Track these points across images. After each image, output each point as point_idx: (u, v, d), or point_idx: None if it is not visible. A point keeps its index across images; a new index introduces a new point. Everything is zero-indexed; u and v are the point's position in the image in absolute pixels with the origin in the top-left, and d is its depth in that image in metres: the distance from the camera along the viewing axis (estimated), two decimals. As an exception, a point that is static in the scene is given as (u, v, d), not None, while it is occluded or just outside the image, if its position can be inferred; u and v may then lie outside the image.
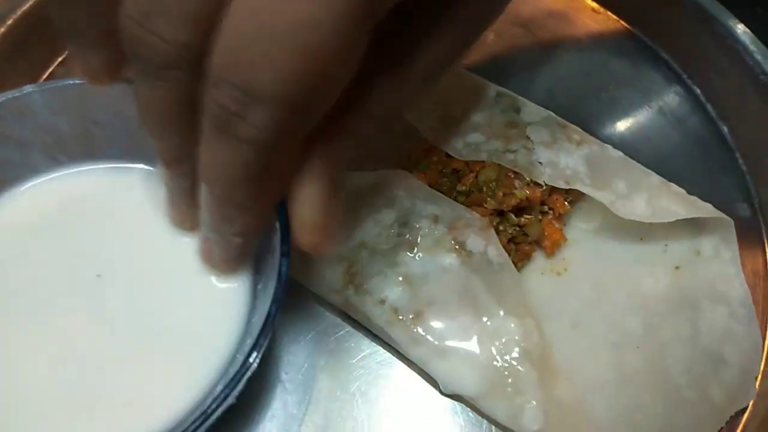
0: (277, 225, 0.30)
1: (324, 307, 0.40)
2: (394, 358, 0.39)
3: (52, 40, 0.48)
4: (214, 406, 0.27)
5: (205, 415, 0.26)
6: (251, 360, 0.27)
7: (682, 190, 0.43)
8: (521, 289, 0.39)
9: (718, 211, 0.42)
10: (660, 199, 0.41)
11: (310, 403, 0.38)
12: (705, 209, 0.42)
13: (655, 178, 0.43)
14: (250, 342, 0.29)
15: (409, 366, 0.39)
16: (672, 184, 0.43)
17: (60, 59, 0.49)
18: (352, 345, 0.40)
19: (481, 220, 0.39)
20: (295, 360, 0.39)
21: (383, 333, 0.38)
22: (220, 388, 0.28)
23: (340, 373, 0.39)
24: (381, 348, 0.39)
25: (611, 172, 0.42)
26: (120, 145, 0.37)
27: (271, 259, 0.30)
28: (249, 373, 0.28)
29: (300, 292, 0.41)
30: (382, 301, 0.38)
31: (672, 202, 0.41)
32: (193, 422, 0.26)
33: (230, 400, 0.28)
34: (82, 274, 0.34)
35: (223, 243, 0.31)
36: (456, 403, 0.38)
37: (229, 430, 0.37)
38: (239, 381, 0.27)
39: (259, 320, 0.29)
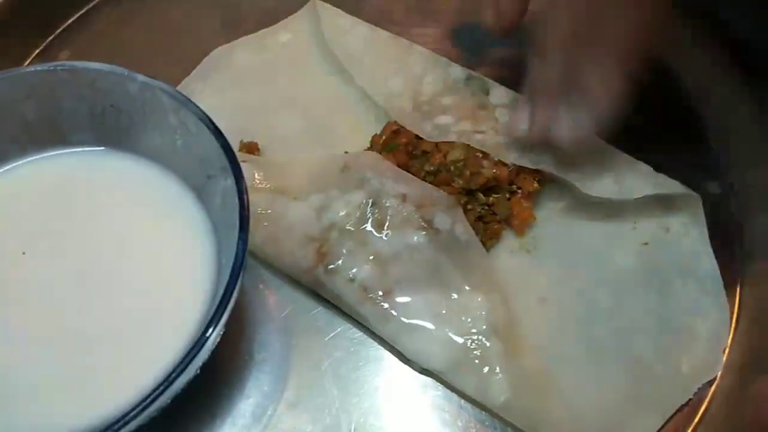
0: (236, 199, 0.31)
1: (295, 287, 0.41)
2: (366, 336, 0.40)
3: (29, 32, 0.48)
4: (174, 375, 0.27)
5: (166, 383, 0.27)
6: (210, 331, 0.28)
7: (649, 168, 0.43)
8: (488, 266, 0.39)
9: (686, 188, 0.42)
10: (627, 178, 0.42)
11: (283, 381, 0.39)
12: (672, 186, 0.42)
13: (622, 157, 0.43)
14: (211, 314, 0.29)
15: (380, 344, 0.39)
16: (640, 162, 0.43)
17: (37, 51, 0.50)
18: (324, 324, 0.40)
19: (449, 198, 0.40)
20: (268, 339, 0.40)
21: (353, 311, 0.39)
22: (179, 357, 0.28)
23: (313, 351, 0.39)
24: (353, 326, 0.40)
25: (579, 153, 0.43)
26: (86, 130, 0.37)
27: (233, 232, 0.31)
28: (209, 343, 0.29)
29: (273, 273, 0.41)
30: (352, 280, 0.38)
31: (639, 180, 0.42)
32: (154, 391, 0.27)
33: (192, 371, 0.28)
34: (54, 256, 0.35)
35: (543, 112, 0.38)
36: (427, 378, 0.39)
37: (205, 411, 0.38)
38: (198, 350, 0.28)
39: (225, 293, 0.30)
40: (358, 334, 0.40)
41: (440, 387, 0.38)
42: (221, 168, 0.33)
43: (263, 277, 0.41)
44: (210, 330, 0.28)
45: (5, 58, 0.48)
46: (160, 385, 0.27)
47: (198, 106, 0.34)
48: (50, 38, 0.51)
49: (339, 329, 0.40)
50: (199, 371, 0.30)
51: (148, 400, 0.27)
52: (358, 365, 0.39)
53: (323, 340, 0.40)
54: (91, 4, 0.52)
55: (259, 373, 0.39)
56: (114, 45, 0.51)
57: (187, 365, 0.27)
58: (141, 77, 0.35)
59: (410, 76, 0.46)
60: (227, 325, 0.32)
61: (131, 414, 0.27)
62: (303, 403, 0.38)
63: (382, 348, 0.39)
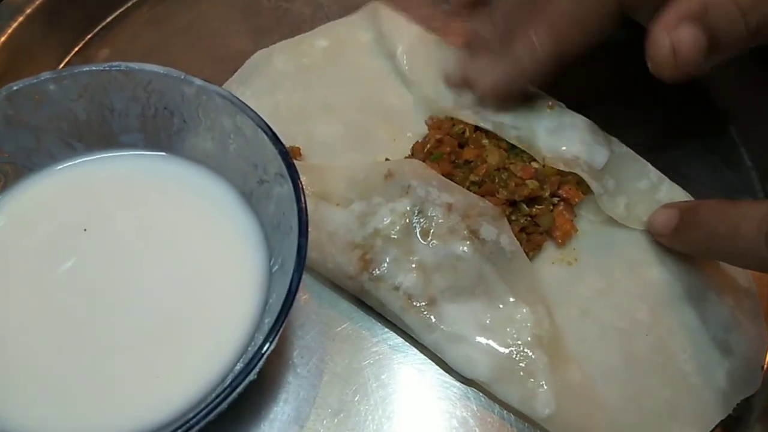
0: (295, 205, 0.31)
1: (338, 293, 0.41)
2: (408, 344, 0.40)
3: (68, 30, 0.48)
4: (236, 382, 0.27)
5: (229, 389, 0.27)
6: (272, 337, 0.28)
7: (678, 190, 0.44)
8: (533, 277, 0.40)
9: None
10: (638, 206, 0.43)
11: (322, 387, 0.39)
12: None
13: (646, 182, 0.44)
14: (269, 321, 0.29)
15: (422, 351, 0.40)
16: (666, 182, 0.44)
17: (77, 49, 0.50)
18: (366, 331, 0.40)
19: (494, 209, 0.40)
20: (307, 344, 0.40)
21: (397, 319, 0.39)
22: (241, 365, 0.28)
23: (354, 357, 0.39)
24: (394, 334, 0.40)
25: (607, 166, 0.43)
26: (136, 132, 0.37)
27: (288, 239, 0.31)
28: (269, 351, 0.29)
29: (314, 278, 0.41)
30: (397, 288, 0.39)
31: (648, 211, 0.43)
32: (216, 397, 0.27)
33: (251, 377, 0.29)
34: (103, 259, 0.35)
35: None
36: (468, 388, 0.39)
37: (243, 413, 0.38)
38: (260, 358, 0.28)
39: (277, 300, 0.30)
40: (399, 341, 0.40)
41: (482, 397, 0.39)
42: (276, 174, 0.33)
43: (305, 281, 0.41)
44: (274, 333, 0.28)
45: (46, 56, 0.48)
46: (222, 392, 0.27)
47: (255, 112, 0.34)
48: (89, 36, 0.51)
49: (380, 336, 0.40)
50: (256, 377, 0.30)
51: (204, 411, 0.27)
52: (400, 373, 0.39)
53: (364, 347, 0.40)
54: (129, 3, 0.52)
55: (298, 379, 0.39)
56: (152, 45, 0.51)
57: (251, 370, 0.27)
58: (198, 81, 0.35)
59: None
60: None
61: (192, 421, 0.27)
62: (344, 411, 0.38)
63: (424, 356, 0.40)
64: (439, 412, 0.38)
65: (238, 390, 0.28)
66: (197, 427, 0.27)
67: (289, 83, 0.48)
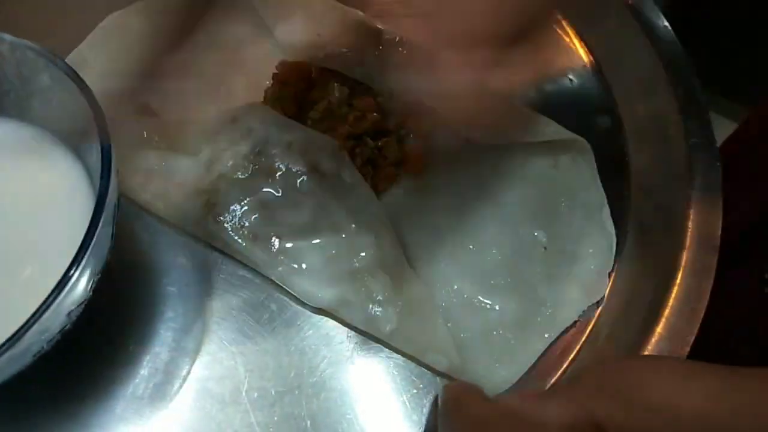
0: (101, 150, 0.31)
1: (189, 239, 0.41)
2: (262, 281, 0.41)
3: None
4: (37, 314, 0.28)
5: (33, 319, 0.28)
6: (73, 270, 0.29)
7: (532, 113, 0.45)
8: (375, 205, 0.41)
9: (570, 133, 0.44)
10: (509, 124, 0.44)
11: (184, 332, 0.40)
12: (553, 132, 0.44)
13: (505, 102, 0.44)
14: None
15: (274, 288, 0.40)
16: (522, 107, 0.45)
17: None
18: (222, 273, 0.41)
19: (333, 143, 0.41)
20: (168, 292, 0.41)
21: (244, 257, 0.40)
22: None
23: (211, 300, 0.40)
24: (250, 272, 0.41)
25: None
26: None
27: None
28: (79, 286, 0.29)
29: (171, 229, 0.42)
30: (241, 227, 0.39)
31: (512, 126, 0.44)
32: (20, 330, 0.28)
33: (61, 313, 0.29)
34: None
35: None
36: (320, 318, 0.40)
37: (106, 362, 0.39)
38: (60, 290, 0.28)
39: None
40: (260, 282, 0.41)
41: (329, 322, 0.40)
42: (91, 122, 0.33)
43: (164, 235, 0.42)
44: (73, 269, 0.29)
45: None
46: (23, 325, 0.28)
47: (64, 61, 0.34)
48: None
49: (240, 279, 0.41)
50: (75, 316, 0.31)
51: (13, 339, 0.27)
52: (258, 309, 0.40)
53: (222, 290, 0.41)
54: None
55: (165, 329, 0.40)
56: (9, 18, 0.51)
57: (49, 305, 0.28)
58: (8, 37, 0.35)
59: (310, 14, 0.47)
60: (110, 273, 0.33)
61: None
62: (200, 351, 0.39)
63: (279, 293, 0.40)
64: (288, 339, 0.39)
65: (48, 310, 0.28)
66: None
67: (143, 43, 0.48)
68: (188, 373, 0.38)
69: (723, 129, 0.57)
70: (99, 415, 0.37)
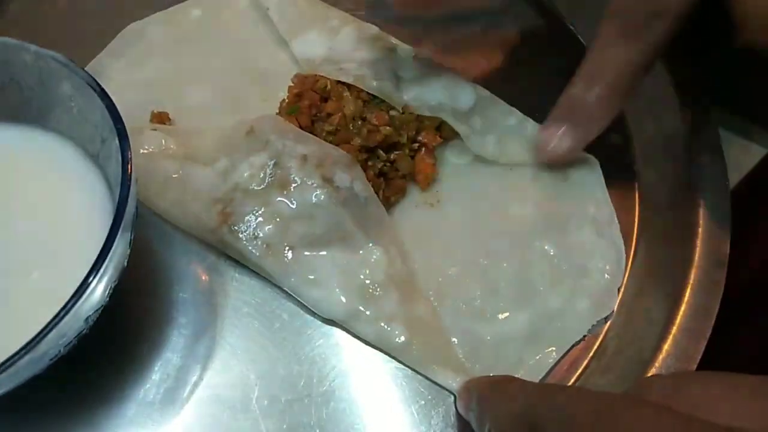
0: (120, 158, 0.32)
1: (203, 247, 0.42)
2: (276, 293, 0.41)
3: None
4: (55, 321, 0.28)
5: (57, 317, 0.28)
6: (92, 277, 0.29)
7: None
8: (387, 220, 0.41)
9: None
10: (508, 143, 0.45)
11: (196, 339, 0.40)
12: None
13: (513, 119, 0.45)
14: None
15: (287, 298, 0.41)
16: (530, 121, 0.45)
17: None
18: (235, 282, 0.42)
19: (347, 156, 0.41)
20: (181, 300, 0.41)
21: (257, 267, 0.40)
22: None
23: (223, 309, 0.41)
24: (265, 283, 0.41)
25: (473, 109, 0.45)
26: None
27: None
28: (96, 293, 0.30)
29: (186, 237, 0.43)
30: (255, 237, 0.40)
31: (519, 146, 0.45)
32: (37, 336, 0.28)
33: (79, 319, 0.30)
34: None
35: (578, 132, 0.41)
36: (330, 327, 0.40)
37: (116, 369, 0.39)
38: (79, 297, 0.29)
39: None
40: (272, 291, 0.41)
41: (341, 333, 0.40)
42: (110, 130, 0.34)
43: (178, 242, 0.43)
44: (93, 276, 0.29)
45: None
46: (42, 330, 0.28)
47: (85, 71, 0.35)
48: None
49: (253, 287, 0.41)
50: (92, 321, 0.31)
51: (32, 344, 0.28)
52: (270, 318, 0.40)
53: (234, 298, 0.41)
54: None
55: (177, 336, 0.40)
56: (32, 28, 0.52)
57: (68, 311, 0.28)
58: (33, 47, 0.36)
59: (327, 29, 0.48)
60: (126, 279, 0.34)
61: (18, 354, 0.28)
62: (212, 358, 0.39)
63: (291, 302, 0.41)
64: (298, 347, 0.40)
65: (67, 315, 0.29)
66: (19, 365, 0.28)
67: (162, 53, 0.50)
68: (199, 379, 0.39)
69: (733, 146, 0.56)
70: (110, 418, 0.38)
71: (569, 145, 0.42)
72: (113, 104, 0.34)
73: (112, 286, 0.32)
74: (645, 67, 0.39)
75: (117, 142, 0.33)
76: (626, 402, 0.25)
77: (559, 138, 0.42)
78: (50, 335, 0.28)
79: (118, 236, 0.30)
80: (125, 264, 0.34)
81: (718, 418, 0.24)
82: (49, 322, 0.28)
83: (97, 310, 0.32)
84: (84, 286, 0.29)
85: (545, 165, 0.45)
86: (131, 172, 0.32)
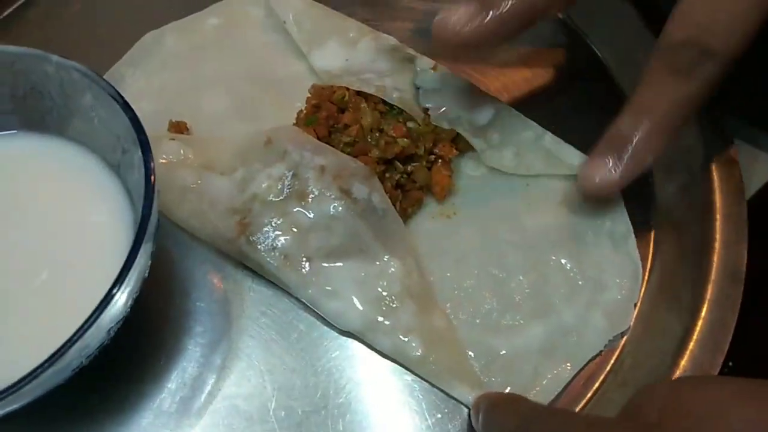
0: (143, 170, 0.32)
1: (225, 259, 0.42)
2: (294, 304, 0.41)
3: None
4: (87, 324, 0.29)
5: (81, 330, 0.28)
6: (116, 289, 0.29)
7: (555, 140, 0.45)
8: (404, 232, 0.41)
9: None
10: (526, 155, 0.45)
11: (214, 347, 0.40)
12: (570, 166, 0.44)
13: (532, 132, 0.45)
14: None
15: (304, 310, 0.41)
16: (548, 134, 0.46)
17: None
18: (255, 293, 0.42)
19: (365, 168, 0.41)
20: (197, 309, 0.41)
21: (275, 277, 0.41)
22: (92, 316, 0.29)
23: (240, 319, 0.41)
24: (284, 295, 0.42)
25: (491, 122, 0.45)
26: (9, 114, 0.39)
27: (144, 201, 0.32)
28: (118, 304, 0.30)
29: (204, 247, 0.43)
30: (273, 248, 0.40)
31: (537, 158, 0.45)
32: (61, 348, 0.28)
33: (102, 330, 0.30)
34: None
35: (625, 167, 0.39)
36: (347, 339, 0.40)
37: (136, 377, 0.39)
38: (103, 308, 0.29)
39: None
40: (289, 302, 0.41)
41: (358, 345, 0.40)
42: (133, 141, 0.34)
43: (195, 252, 0.43)
44: (116, 288, 0.29)
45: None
46: (67, 341, 0.28)
47: (108, 82, 0.35)
48: (-15, 30, 0.52)
49: (270, 298, 0.41)
50: (113, 332, 0.31)
51: (56, 355, 0.28)
52: (287, 329, 0.41)
53: (251, 308, 0.41)
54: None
55: (194, 345, 0.40)
56: (49, 35, 0.52)
57: (92, 323, 0.29)
58: (56, 58, 0.36)
59: (345, 41, 0.48)
60: (145, 290, 0.34)
61: (43, 366, 0.28)
62: (228, 368, 0.39)
63: (307, 313, 0.41)
64: (315, 360, 0.40)
65: (91, 327, 0.29)
66: (46, 375, 0.28)
67: (179, 62, 0.50)
68: (215, 389, 0.39)
69: (746, 155, 0.56)
70: (125, 427, 0.38)
71: (615, 181, 0.40)
72: (136, 116, 0.34)
73: (134, 298, 0.33)
74: (694, 106, 0.38)
75: (140, 153, 0.33)
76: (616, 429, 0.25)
77: (606, 172, 0.40)
78: (74, 347, 0.28)
79: (142, 248, 0.31)
80: (146, 275, 0.34)
81: (719, 426, 0.25)
82: (74, 334, 0.28)
83: (118, 322, 0.32)
84: (108, 297, 0.29)
85: (562, 178, 0.45)
86: (155, 183, 0.32)
